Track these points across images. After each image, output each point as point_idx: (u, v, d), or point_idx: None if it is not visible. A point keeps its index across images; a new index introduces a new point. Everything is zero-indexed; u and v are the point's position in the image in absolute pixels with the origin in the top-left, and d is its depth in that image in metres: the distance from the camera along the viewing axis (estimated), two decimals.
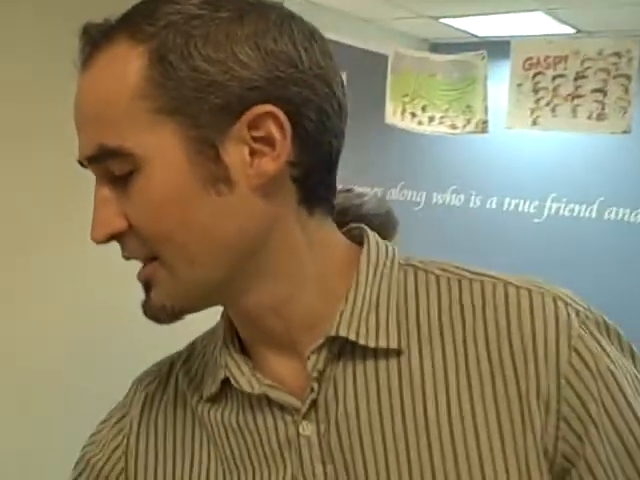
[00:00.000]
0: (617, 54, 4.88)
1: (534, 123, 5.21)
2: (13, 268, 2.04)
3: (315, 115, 0.83)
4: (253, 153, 0.81)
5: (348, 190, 2.52)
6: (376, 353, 0.87)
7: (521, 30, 6.14)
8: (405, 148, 6.99)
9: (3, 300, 2.04)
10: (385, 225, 2.41)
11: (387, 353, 0.87)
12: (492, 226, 6.75)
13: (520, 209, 6.74)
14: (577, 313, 0.85)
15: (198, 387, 0.98)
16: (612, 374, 0.83)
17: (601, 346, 0.84)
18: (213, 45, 0.79)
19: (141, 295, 0.88)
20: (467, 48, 5.87)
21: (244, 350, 0.94)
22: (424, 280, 0.90)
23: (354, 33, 6.27)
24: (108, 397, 1.14)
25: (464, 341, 0.86)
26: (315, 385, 0.87)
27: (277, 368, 0.91)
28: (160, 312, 0.86)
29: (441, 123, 5.61)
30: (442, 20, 6.23)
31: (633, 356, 0.88)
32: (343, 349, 0.88)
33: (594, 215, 6.38)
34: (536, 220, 6.65)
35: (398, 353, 0.87)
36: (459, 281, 0.89)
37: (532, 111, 5.18)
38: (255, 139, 0.81)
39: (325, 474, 0.87)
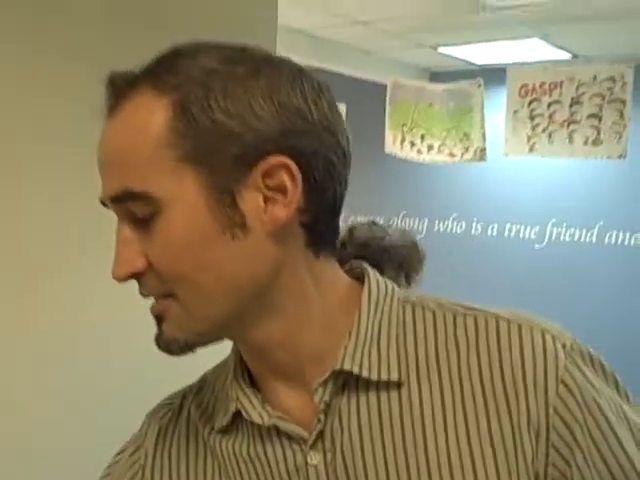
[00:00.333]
0: (611, 79, 4.94)
1: (531, 150, 5.27)
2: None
3: (323, 165, 0.87)
4: (266, 200, 0.85)
5: (372, 223, 2.52)
6: (378, 385, 0.91)
7: (518, 56, 6.22)
8: (406, 177, 7.04)
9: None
10: (409, 258, 2.41)
11: (388, 385, 0.91)
12: (494, 252, 6.77)
13: (521, 235, 6.76)
14: (564, 346, 0.88)
15: (210, 419, 1.01)
16: (597, 403, 0.87)
17: (586, 377, 0.88)
18: (231, 99, 0.83)
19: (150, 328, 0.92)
20: (466, 76, 5.94)
21: (253, 383, 0.98)
22: (421, 316, 0.94)
23: (354, 64, 6.35)
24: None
25: (459, 373, 0.90)
26: (322, 416, 0.91)
27: (285, 400, 0.95)
28: (172, 344, 0.89)
29: (440, 152, 5.67)
30: (440, 49, 6.30)
31: (617, 385, 0.92)
32: (347, 382, 0.91)
33: (594, 239, 6.40)
34: (537, 246, 6.68)
35: (399, 385, 0.91)
36: (454, 316, 0.93)
37: (529, 138, 5.24)
38: (268, 187, 0.85)
39: None
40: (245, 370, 0.98)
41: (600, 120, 4.96)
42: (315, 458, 0.92)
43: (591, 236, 6.42)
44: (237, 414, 0.96)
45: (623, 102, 4.88)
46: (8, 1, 1.96)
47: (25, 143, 2.02)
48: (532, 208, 6.64)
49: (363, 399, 0.91)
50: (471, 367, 0.90)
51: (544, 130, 5.20)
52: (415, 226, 7.20)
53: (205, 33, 2.34)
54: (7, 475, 2.01)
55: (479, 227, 6.99)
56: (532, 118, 5.24)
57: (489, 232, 6.93)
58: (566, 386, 0.87)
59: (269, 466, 0.94)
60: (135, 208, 0.85)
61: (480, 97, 5.45)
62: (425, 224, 7.19)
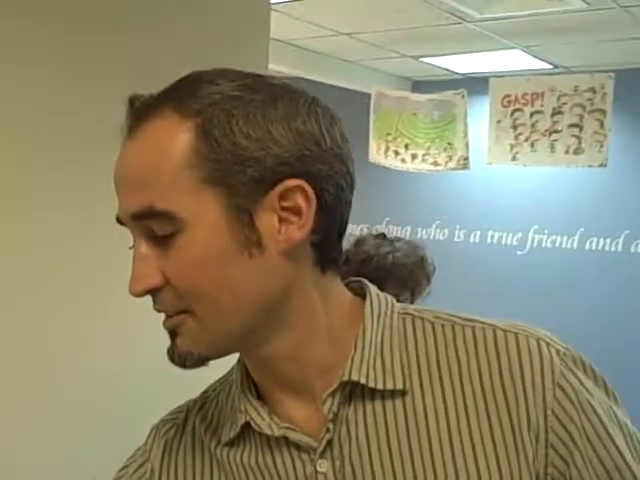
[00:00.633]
0: (592, 90, 5.02)
1: (514, 158, 5.34)
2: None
3: (333, 189, 0.92)
4: (282, 221, 0.89)
5: (381, 236, 2.53)
6: (383, 394, 0.95)
7: (500, 66, 6.29)
8: (389, 185, 7.08)
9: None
10: (415, 274, 2.41)
11: (393, 394, 0.95)
12: (476, 259, 6.83)
13: (503, 242, 6.83)
14: (558, 352, 0.94)
15: (215, 432, 1.04)
16: (591, 405, 0.93)
17: (580, 381, 0.94)
18: (252, 124, 0.87)
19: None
20: (448, 85, 6.01)
21: (259, 396, 1.01)
22: (421, 327, 0.98)
23: (338, 74, 6.38)
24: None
25: (460, 380, 0.95)
26: (331, 426, 0.95)
27: (291, 411, 0.98)
28: (186, 358, 0.92)
29: (424, 161, 5.73)
30: (423, 59, 6.36)
31: (606, 388, 0.98)
32: (354, 392, 0.95)
33: (575, 246, 6.49)
34: (519, 252, 6.75)
35: (403, 394, 0.95)
36: (452, 327, 0.98)
37: (512, 147, 5.32)
38: (284, 208, 0.89)
39: None
40: (251, 383, 1.01)
41: (581, 130, 5.04)
42: (324, 466, 0.95)
43: (572, 242, 6.49)
44: (244, 426, 0.99)
45: (603, 112, 4.96)
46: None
47: (30, 147, 2.04)
48: (514, 215, 6.71)
49: (369, 408, 0.95)
50: (472, 374, 0.95)
51: (526, 139, 5.27)
52: (398, 233, 7.25)
53: (199, 45, 2.38)
54: (7, 475, 2.02)
55: (461, 234, 7.05)
56: (515, 127, 5.31)
57: (472, 239, 6.99)
58: (562, 390, 0.92)
59: (278, 476, 0.98)
60: (155, 226, 0.88)
61: (463, 107, 5.51)
62: (408, 231, 7.25)
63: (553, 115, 5.18)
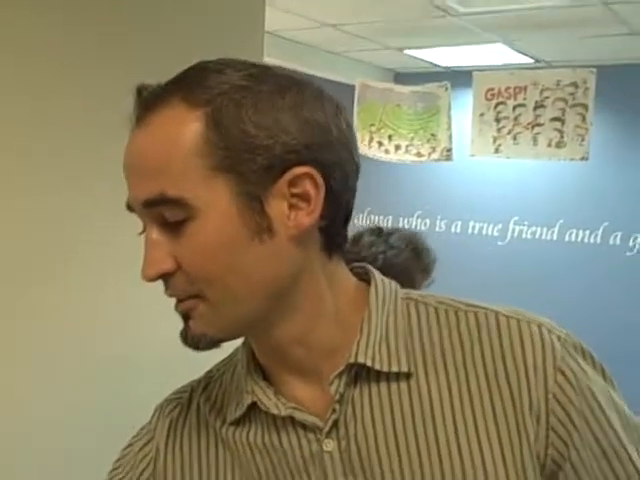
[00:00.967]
0: (574, 84, 5.08)
1: (496, 151, 5.40)
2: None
3: (340, 176, 0.94)
4: (291, 207, 0.91)
5: (377, 231, 2.49)
6: (388, 377, 0.97)
7: (482, 60, 6.34)
8: (371, 175, 7.11)
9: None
10: (408, 272, 2.37)
11: (398, 377, 0.97)
12: (457, 249, 6.84)
13: (484, 232, 6.89)
14: (559, 338, 0.96)
15: (220, 412, 1.07)
16: (590, 389, 0.95)
17: (580, 366, 0.96)
18: (261, 113, 0.89)
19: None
20: (430, 78, 6.05)
21: (265, 377, 1.03)
22: (425, 312, 1.01)
23: (321, 65, 6.38)
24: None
25: (464, 364, 0.97)
26: (337, 406, 0.96)
27: (297, 392, 1.00)
28: (200, 340, 0.94)
29: (407, 152, 5.77)
30: (406, 51, 6.39)
31: (604, 374, 1.00)
32: (359, 374, 0.97)
33: (555, 237, 6.57)
34: (500, 243, 6.81)
35: (407, 376, 0.97)
36: (455, 312, 1.00)
37: (494, 139, 5.37)
38: (293, 195, 0.91)
39: None
40: (257, 364, 1.03)
41: (563, 123, 5.10)
42: (330, 445, 0.97)
43: (552, 234, 6.56)
44: (250, 406, 1.01)
45: (585, 106, 5.03)
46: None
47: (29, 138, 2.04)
48: (495, 207, 6.77)
49: (375, 390, 0.97)
50: (475, 358, 0.97)
51: (509, 132, 5.33)
52: (380, 223, 7.29)
53: (194, 37, 2.38)
54: (7, 475, 2.02)
55: (443, 224, 7.10)
56: (498, 120, 5.36)
57: (453, 229, 7.04)
58: (563, 374, 0.94)
59: (285, 454, 1.00)
60: (167, 212, 0.89)
61: (447, 99, 5.56)
62: (389, 221, 7.29)
63: (536, 109, 5.24)
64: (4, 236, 2.01)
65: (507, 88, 5.33)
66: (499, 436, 0.95)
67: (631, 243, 6.28)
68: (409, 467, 0.95)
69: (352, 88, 5.95)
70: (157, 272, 0.92)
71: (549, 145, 5.16)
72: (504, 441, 0.94)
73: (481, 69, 5.79)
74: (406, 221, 7.24)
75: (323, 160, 0.92)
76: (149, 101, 0.92)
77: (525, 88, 5.26)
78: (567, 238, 6.50)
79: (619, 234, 6.30)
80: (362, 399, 0.98)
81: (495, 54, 6.12)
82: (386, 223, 7.26)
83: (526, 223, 6.67)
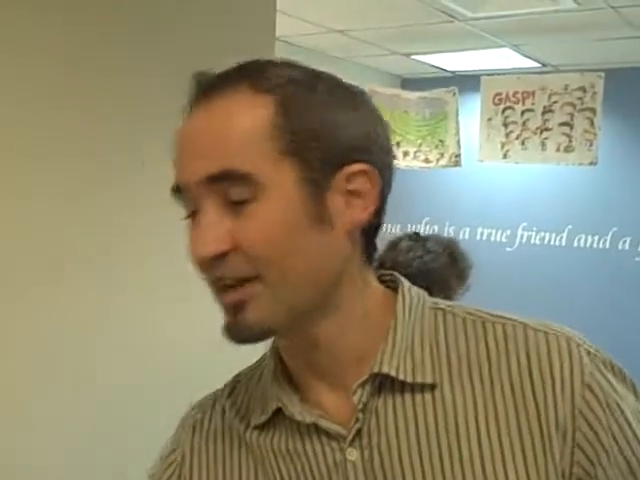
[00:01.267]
0: (582, 89, 5.07)
1: (505, 156, 5.38)
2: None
3: (387, 179, 0.97)
4: (347, 203, 0.94)
5: (414, 236, 2.49)
6: (413, 388, 0.96)
7: (490, 64, 6.33)
8: None
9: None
10: (443, 278, 2.41)
11: (423, 388, 0.96)
12: None
13: (493, 238, 6.87)
14: (588, 353, 0.94)
15: (244, 416, 1.07)
16: (619, 407, 0.93)
17: (609, 382, 0.94)
18: (324, 107, 0.93)
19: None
20: (437, 83, 6.04)
21: (290, 382, 1.03)
22: (452, 322, 1.00)
23: (328, 70, 6.38)
24: None
25: (490, 377, 0.96)
26: (360, 415, 0.96)
27: (322, 399, 1.00)
28: (253, 329, 0.93)
29: (415, 158, 5.76)
30: (414, 57, 6.39)
31: (635, 392, 0.98)
32: (384, 384, 0.97)
33: (564, 243, 6.54)
34: (508, 249, 6.79)
35: (432, 388, 0.96)
36: (483, 323, 0.99)
37: (503, 145, 5.36)
38: (349, 191, 0.94)
39: None
40: (284, 370, 1.03)
41: (571, 128, 5.08)
42: (353, 455, 0.97)
43: (560, 240, 6.54)
44: (275, 412, 1.02)
45: (593, 111, 5.01)
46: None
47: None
48: (504, 212, 6.75)
49: (399, 400, 0.97)
50: (501, 371, 0.95)
51: (517, 137, 5.31)
52: (389, 230, 7.27)
53: (207, 43, 2.38)
54: (7, 475, 2.03)
55: (451, 231, 7.08)
56: (506, 125, 5.35)
57: (461, 236, 7.02)
58: (591, 390, 0.92)
59: (308, 462, 1.00)
60: (234, 189, 0.90)
61: (455, 105, 5.55)
62: (398, 228, 7.27)
63: (544, 113, 5.22)
64: (5, 237, 2.01)
65: (515, 93, 5.31)
66: (524, 453, 0.93)
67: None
68: (431, 476, 0.94)
69: None
70: (214, 251, 0.91)
71: (557, 150, 5.14)
72: (529, 460, 0.93)
73: (489, 74, 5.77)
74: (414, 227, 7.21)
75: (375, 161, 0.95)
76: (213, 85, 0.95)
77: (533, 93, 5.25)
78: (576, 244, 6.47)
79: (628, 239, 6.27)
80: (386, 409, 0.97)
81: (502, 59, 6.12)
82: (394, 230, 7.24)
83: (535, 229, 6.65)
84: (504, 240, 6.82)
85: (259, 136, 0.91)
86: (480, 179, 6.73)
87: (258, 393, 1.07)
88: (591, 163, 5.05)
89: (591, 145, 5.01)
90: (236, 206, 0.91)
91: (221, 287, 0.93)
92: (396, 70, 7.05)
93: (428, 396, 0.96)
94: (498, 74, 5.79)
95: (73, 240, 2.16)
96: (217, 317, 0.96)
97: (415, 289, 1.04)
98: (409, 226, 7.23)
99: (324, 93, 0.94)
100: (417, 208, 7.22)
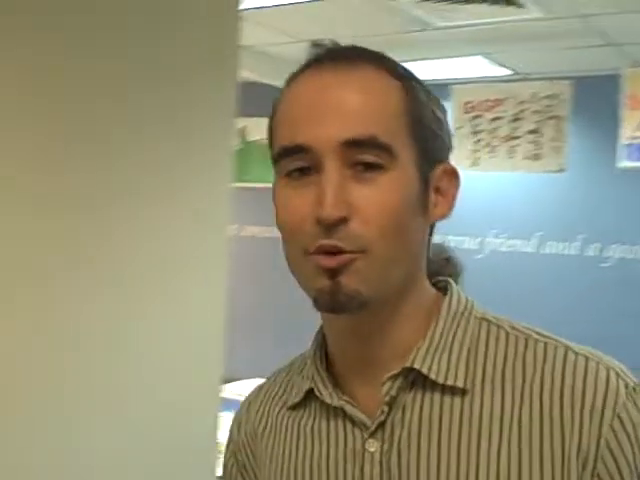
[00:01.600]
0: (550, 97, 5.12)
1: (474, 164, 5.42)
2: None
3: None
4: (435, 198, 0.99)
5: None
6: (444, 389, 0.97)
7: (462, 73, 6.33)
8: None
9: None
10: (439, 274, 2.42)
11: (453, 391, 0.96)
12: None
13: (462, 246, 6.90)
14: (626, 385, 0.93)
15: (281, 397, 1.12)
16: None
17: None
18: (433, 104, 0.99)
19: None
20: None
21: (328, 368, 1.05)
22: (495, 334, 1.00)
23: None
24: None
25: (522, 393, 0.95)
26: (386, 408, 0.97)
27: (355, 388, 1.01)
28: (353, 297, 0.92)
29: None
30: None
31: None
32: (415, 381, 0.98)
33: (533, 249, 6.58)
34: (478, 256, 6.82)
35: (463, 393, 0.96)
36: (526, 339, 0.99)
37: (472, 152, 5.40)
38: (436, 188, 0.99)
39: None
40: (324, 355, 1.06)
41: (540, 136, 5.13)
42: (373, 445, 0.98)
43: (530, 246, 6.58)
44: (308, 394, 1.05)
45: (562, 119, 5.06)
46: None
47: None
48: (473, 220, 6.77)
49: (427, 399, 0.97)
50: (534, 389, 0.95)
51: (487, 145, 5.35)
52: None
53: (167, 50, 2.37)
54: (7, 475, 2.03)
55: None
56: (475, 133, 5.39)
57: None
58: (621, 422, 0.91)
59: (328, 444, 1.02)
60: (369, 157, 0.92)
61: None
62: None
63: (513, 121, 5.27)
64: (6, 237, 2.01)
65: (485, 101, 5.36)
66: (542, 473, 0.92)
67: (607, 254, 6.31)
68: (446, 479, 0.95)
69: None
70: (340, 214, 0.91)
71: (526, 157, 5.19)
72: (546, 478, 0.91)
73: (460, 82, 5.80)
74: None
75: (449, 162, 1.02)
76: (347, 54, 0.98)
77: (502, 101, 5.29)
78: (545, 250, 6.51)
79: (593, 246, 6.32)
80: (413, 406, 0.98)
81: (474, 67, 6.13)
82: None
83: (504, 236, 6.68)
84: (474, 247, 6.84)
85: (397, 113, 0.95)
86: None
87: (297, 377, 1.10)
88: (560, 170, 5.10)
89: (559, 152, 5.06)
90: (362, 173, 0.92)
91: (321, 251, 0.92)
92: None
93: (457, 400, 0.97)
94: (469, 82, 5.82)
95: (50, 244, 2.15)
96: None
97: (464, 296, 1.06)
98: None
99: (428, 92, 0.99)
100: None
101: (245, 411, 1.18)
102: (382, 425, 0.98)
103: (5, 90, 2.00)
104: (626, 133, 4.96)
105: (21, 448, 2.07)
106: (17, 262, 2.05)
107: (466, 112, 5.43)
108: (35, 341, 2.10)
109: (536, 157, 5.15)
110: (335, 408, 1.01)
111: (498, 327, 1.01)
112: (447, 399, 0.97)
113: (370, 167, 0.92)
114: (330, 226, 0.90)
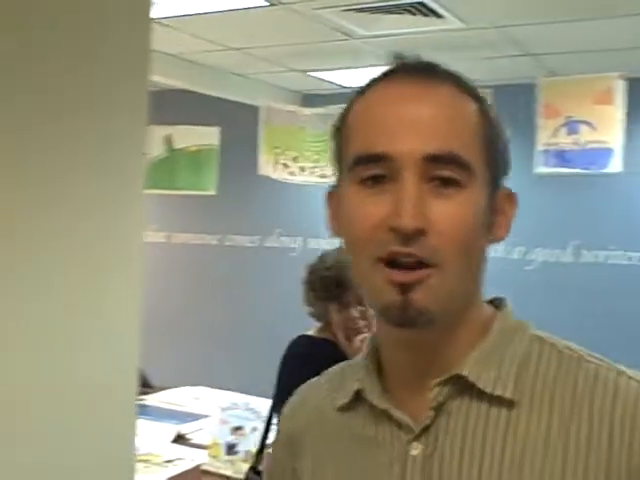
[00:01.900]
0: None
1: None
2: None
3: None
4: (496, 219, 1.01)
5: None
6: (491, 400, 0.97)
7: None
8: (281, 197, 7.14)
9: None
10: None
11: (500, 402, 0.96)
12: None
13: None
14: None
15: (331, 397, 1.12)
16: None
17: None
18: (502, 130, 1.01)
19: None
20: (337, 99, 6.04)
21: (380, 372, 1.06)
22: (548, 351, 1.00)
23: (228, 87, 6.40)
24: None
25: (571, 413, 0.94)
26: (432, 413, 0.98)
27: (402, 395, 1.02)
28: (422, 313, 0.93)
29: (312, 173, 5.81)
30: (311, 73, 6.46)
31: None
32: (464, 389, 0.98)
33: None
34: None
35: (510, 405, 0.96)
36: (578, 359, 0.99)
37: None
38: (497, 209, 1.00)
39: None
40: (376, 361, 1.06)
41: None
42: (417, 449, 0.98)
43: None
44: (356, 396, 1.06)
45: None
46: None
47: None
48: None
49: (474, 408, 0.97)
50: (583, 409, 0.94)
51: None
52: (290, 244, 7.33)
53: (78, 54, 2.31)
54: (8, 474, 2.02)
55: None
56: None
57: None
58: None
59: (374, 448, 1.03)
60: (449, 172, 0.93)
61: None
62: (300, 242, 7.34)
63: None
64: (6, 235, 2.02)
65: None
66: None
67: (531, 257, 6.43)
68: None
69: (257, 110, 6.00)
70: (419, 225, 0.92)
71: None
72: None
73: None
74: (315, 242, 7.28)
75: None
76: (428, 69, 1.00)
77: None
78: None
79: (518, 249, 6.42)
80: (459, 414, 0.98)
81: None
82: (296, 244, 7.30)
83: None
84: None
85: (475, 133, 0.97)
86: None
87: (349, 380, 1.09)
88: None
89: None
90: (439, 188, 0.94)
91: (394, 264, 0.93)
92: (296, 86, 7.10)
93: (504, 413, 0.96)
94: None
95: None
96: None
97: (519, 319, 1.06)
98: (310, 240, 7.31)
99: (497, 116, 1.01)
100: (319, 223, 7.21)
101: (296, 407, 1.20)
102: (427, 430, 0.98)
103: None
104: (542, 140, 5.06)
105: None
106: None
107: None
108: None
109: None
110: (382, 411, 1.02)
111: (552, 345, 1.02)
112: (494, 410, 0.97)
113: (448, 183, 0.93)
114: (408, 236, 0.91)
